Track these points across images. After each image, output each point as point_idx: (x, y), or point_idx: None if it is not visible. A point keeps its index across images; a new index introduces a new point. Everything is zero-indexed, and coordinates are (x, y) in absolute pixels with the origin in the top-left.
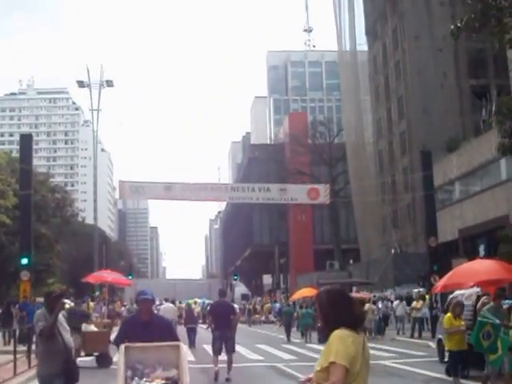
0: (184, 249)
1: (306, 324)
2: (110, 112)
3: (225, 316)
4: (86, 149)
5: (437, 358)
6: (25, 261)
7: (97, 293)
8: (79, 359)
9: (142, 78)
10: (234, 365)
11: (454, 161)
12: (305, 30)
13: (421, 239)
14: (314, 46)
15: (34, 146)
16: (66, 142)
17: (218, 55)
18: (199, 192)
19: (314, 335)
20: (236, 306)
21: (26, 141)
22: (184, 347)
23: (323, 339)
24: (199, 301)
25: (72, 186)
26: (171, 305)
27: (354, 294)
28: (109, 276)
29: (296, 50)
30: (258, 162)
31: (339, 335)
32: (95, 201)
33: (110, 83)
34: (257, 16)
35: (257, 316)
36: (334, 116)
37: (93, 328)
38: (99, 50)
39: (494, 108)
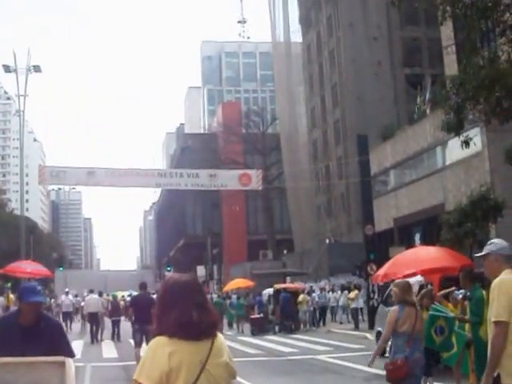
0: (119, 240)
1: (239, 315)
2: (42, 101)
3: (145, 308)
4: (17, 139)
5: None
6: None
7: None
8: None
9: (72, 65)
10: None
11: (389, 149)
12: (239, 22)
13: (355, 229)
14: (248, 38)
15: None
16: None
17: (152, 44)
18: (124, 178)
19: (247, 326)
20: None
21: None
22: (71, 364)
23: (257, 331)
24: (126, 293)
25: (4, 176)
26: (95, 296)
27: (288, 285)
28: (28, 267)
29: (230, 40)
30: (191, 152)
31: (153, 344)
32: (21, 185)
33: (37, 68)
34: (191, 6)
35: None
36: (268, 107)
37: None
38: (28, 36)
39: (428, 96)
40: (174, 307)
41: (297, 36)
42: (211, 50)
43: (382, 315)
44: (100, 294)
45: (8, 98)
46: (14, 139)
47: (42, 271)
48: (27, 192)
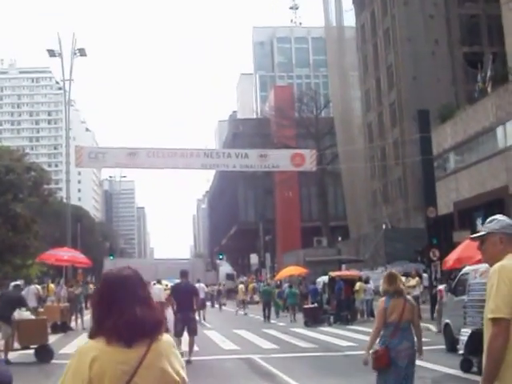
0: (172, 229)
1: (292, 304)
2: (92, 90)
3: (187, 297)
4: (70, 128)
5: (442, 346)
6: None
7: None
8: (12, 353)
9: (120, 51)
10: (204, 358)
11: (449, 130)
12: (291, 8)
13: (413, 214)
14: (300, 24)
15: (17, 126)
16: (49, 122)
17: (203, 31)
18: (168, 159)
19: (300, 317)
20: (204, 285)
21: None
22: None
23: (310, 322)
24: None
25: (56, 166)
26: (159, 286)
27: (344, 272)
28: (65, 255)
29: (282, 25)
30: (243, 137)
31: (79, 349)
32: (67, 173)
33: (82, 52)
34: None
35: (244, 298)
36: (321, 92)
37: (27, 315)
38: (74, 21)
39: (489, 74)
40: (114, 305)
41: (350, 18)
42: (263, 36)
43: (450, 305)
44: (159, 282)
45: (59, 88)
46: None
47: (81, 259)
48: (79, 182)
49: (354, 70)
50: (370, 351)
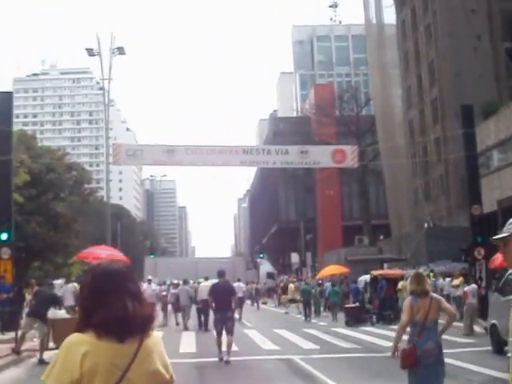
0: (214, 228)
1: (334, 303)
2: (131, 89)
3: (225, 297)
4: (110, 128)
5: (488, 348)
6: (4, 236)
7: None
8: (47, 353)
9: (158, 50)
10: (243, 358)
11: (492, 127)
12: (330, 6)
13: (455, 212)
14: (340, 22)
15: (58, 127)
16: (90, 122)
17: (243, 30)
18: (207, 156)
19: (341, 316)
20: (242, 284)
21: (6, 99)
22: None
23: (352, 322)
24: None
25: (97, 165)
26: (208, 283)
27: (386, 271)
28: (102, 253)
29: (322, 24)
30: (283, 135)
31: (67, 342)
32: (107, 173)
33: (121, 50)
34: None
35: (283, 296)
36: (362, 91)
37: (63, 314)
38: (113, 20)
39: None
40: (103, 299)
41: (390, 15)
42: (303, 35)
43: (496, 306)
44: (185, 282)
45: (100, 88)
46: (109, 129)
47: (118, 257)
48: (121, 181)
49: (395, 68)
50: (398, 350)
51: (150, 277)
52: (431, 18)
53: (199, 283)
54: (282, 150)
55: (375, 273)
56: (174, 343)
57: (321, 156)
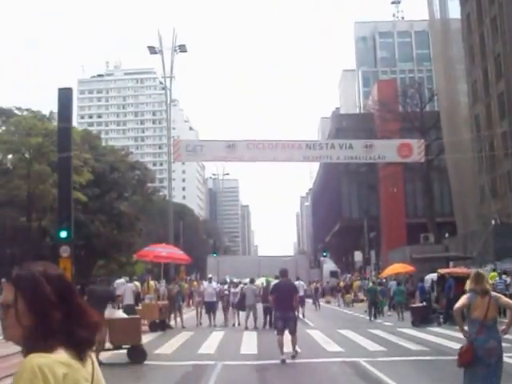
0: (276, 227)
1: (399, 302)
2: (195, 90)
3: (286, 296)
4: (174, 128)
5: None
6: (64, 234)
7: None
8: (104, 353)
9: (220, 47)
10: (307, 361)
11: None
12: (393, 2)
13: None
14: (402, 18)
15: (123, 127)
16: (153, 122)
17: (304, 27)
18: (268, 151)
19: (408, 316)
20: (303, 283)
21: (66, 95)
22: None
23: (418, 322)
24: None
25: (161, 165)
26: (254, 285)
27: (454, 269)
28: (163, 251)
29: (384, 20)
30: (346, 132)
31: (42, 365)
32: (169, 172)
33: (182, 48)
34: None
35: (348, 296)
36: (425, 87)
37: (119, 314)
38: (174, 18)
39: None
40: (55, 311)
41: (454, 9)
42: (365, 31)
43: None
44: (251, 281)
45: (163, 88)
46: (172, 128)
47: (180, 256)
48: (184, 180)
49: (460, 63)
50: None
51: (210, 275)
52: (497, 10)
53: (267, 281)
54: (345, 145)
55: (443, 271)
56: (234, 344)
57: (386, 150)
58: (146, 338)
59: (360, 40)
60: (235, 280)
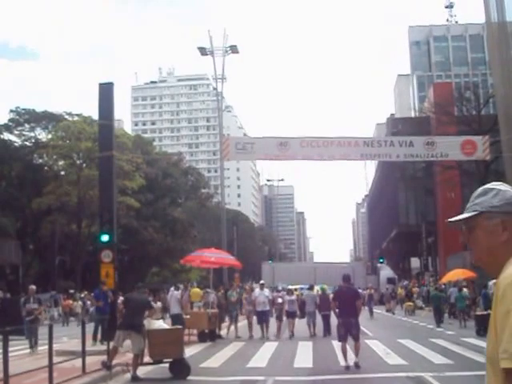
0: (332, 234)
1: (462, 308)
2: (250, 96)
3: (348, 302)
4: (228, 134)
5: None
6: (105, 238)
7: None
8: (142, 368)
9: (274, 54)
10: (367, 376)
11: None
12: (446, 7)
13: None
14: (456, 22)
15: (176, 134)
16: (207, 128)
17: (357, 32)
18: (323, 149)
19: (471, 324)
20: (361, 290)
21: (106, 90)
22: None
23: (483, 331)
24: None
25: (215, 171)
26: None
27: None
28: (212, 256)
29: (438, 24)
30: (402, 136)
31: None
32: (222, 178)
33: (234, 49)
34: None
35: (409, 304)
36: (481, 91)
37: (160, 324)
38: (225, 20)
39: None
40: None
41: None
42: (419, 35)
43: None
44: (310, 288)
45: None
46: (224, 134)
47: (230, 261)
48: (239, 187)
49: None
50: None
51: (262, 281)
52: None
53: (323, 289)
54: (406, 142)
55: None
56: (288, 356)
57: (449, 148)
58: (193, 349)
59: (414, 44)
60: (290, 287)
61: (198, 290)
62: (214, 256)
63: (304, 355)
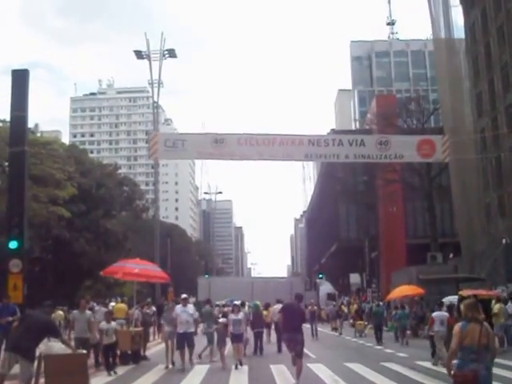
0: (270, 249)
1: (403, 327)
2: (186, 107)
3: (296, 318)
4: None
5: None
6: (14, 244)
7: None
8: None
9: (214, 67)
10: None
11: None
12: (388, 24)
13: None
14: (397, 39)
15: (115, 146)
16: (146, 142)
17: (298, 46)
18: (264, 148)
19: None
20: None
21: (20, 78)
22: None
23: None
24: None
25: (153, 185)
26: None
27: (479, 291)
28: (136, 267)
29: (380, 39)
30: None
31: None
32: (156, 192)
33: (172, 53)
34: (338, 7)
35: (359, 323)
36: (424, 104)
37: (60, 348)
38: (161, 22)
39: None
40: None
41: (457, 19)
42: (360, 50)
43: None
44: (242, 305)
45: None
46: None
47: (156, 273)
48: (177, 200)
49: (465, 78)
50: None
51: (184, 295)
52: (504, 17)
53: (255, 305)
54: (356, 141)
55: (465, 293)
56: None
57: (404, 148)
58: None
59: (356, 59)
60: (236, 302)
61: (122, 305)
62: (138, 267)
63: (238, 381)
